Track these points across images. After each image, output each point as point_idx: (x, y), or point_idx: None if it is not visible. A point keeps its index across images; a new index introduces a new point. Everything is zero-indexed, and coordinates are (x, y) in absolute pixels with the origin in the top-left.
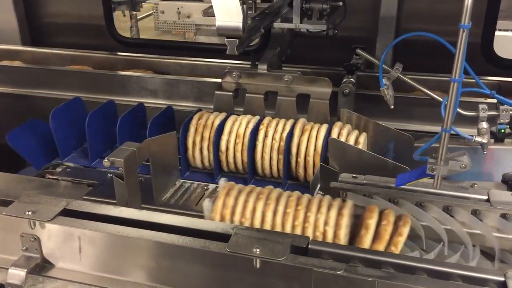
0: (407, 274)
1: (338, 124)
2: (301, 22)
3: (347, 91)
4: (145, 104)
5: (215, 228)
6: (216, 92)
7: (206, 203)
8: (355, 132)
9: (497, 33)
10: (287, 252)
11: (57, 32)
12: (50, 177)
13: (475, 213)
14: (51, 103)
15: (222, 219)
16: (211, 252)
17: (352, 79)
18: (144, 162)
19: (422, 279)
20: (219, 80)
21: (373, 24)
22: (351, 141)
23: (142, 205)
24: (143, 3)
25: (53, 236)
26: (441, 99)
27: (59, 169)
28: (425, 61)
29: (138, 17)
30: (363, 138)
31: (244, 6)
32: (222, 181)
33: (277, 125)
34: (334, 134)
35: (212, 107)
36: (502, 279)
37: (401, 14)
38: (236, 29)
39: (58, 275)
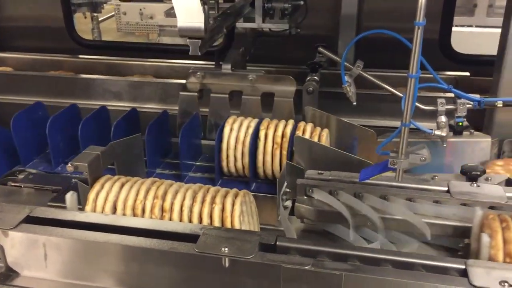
0: (372, 266)
1: (302, 123)
2: (263, 22)
3: (310, 89)
4: (110, 107)
5: (183, 229)
6: (181, 93)
7: (484, 238)
8: (318, 129)
9: (454, 29)
10: (255, 250)
11: (16, 35)
12: (12, 184)
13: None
14: (12, 109)
15: (508, 256)
16: (180, 253)
17: (315, 77)
18: (110, 166)
19: (387, 270)
20: (184, 81)
21: (335, 23)
22: (315, 139)
23: None
24: (104, 5)
25: (17, 244)
26: (401, 95)
27: (21, 176)
28: (387, 58)
29: (100, 19)
30: (325, 134)
31: (206, 6)
32: (479, 211)
33: (241, 124)
34: (299, 132)
35: (177, 108)
36: (463, 267)
37: (361, 12)
38: (198, 29)
39: (23, 284)
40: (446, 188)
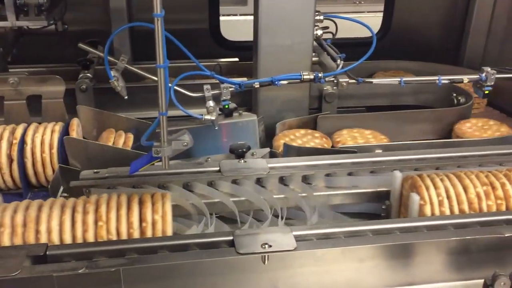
0: (149, 255)
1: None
2: (17, 19)
3: (84, 87)
4: None
5: None
6: None
7: (414, 197)
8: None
9: (229, 18)
10: (21, 265)
11: None
12: None
13: (210, 184)
14: None
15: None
16: None
17: (88, 74)
18: None
19: (163, 256)
20: None
21: (106, 17)
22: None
23: None
24: None
25: None
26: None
27: None
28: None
29: None
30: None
31: None
32: (399, 173)
33: (3, 131)
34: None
35: None
36: (231, 238)
37: (131, 5)
38: None
39: None
40: (218, 168)
